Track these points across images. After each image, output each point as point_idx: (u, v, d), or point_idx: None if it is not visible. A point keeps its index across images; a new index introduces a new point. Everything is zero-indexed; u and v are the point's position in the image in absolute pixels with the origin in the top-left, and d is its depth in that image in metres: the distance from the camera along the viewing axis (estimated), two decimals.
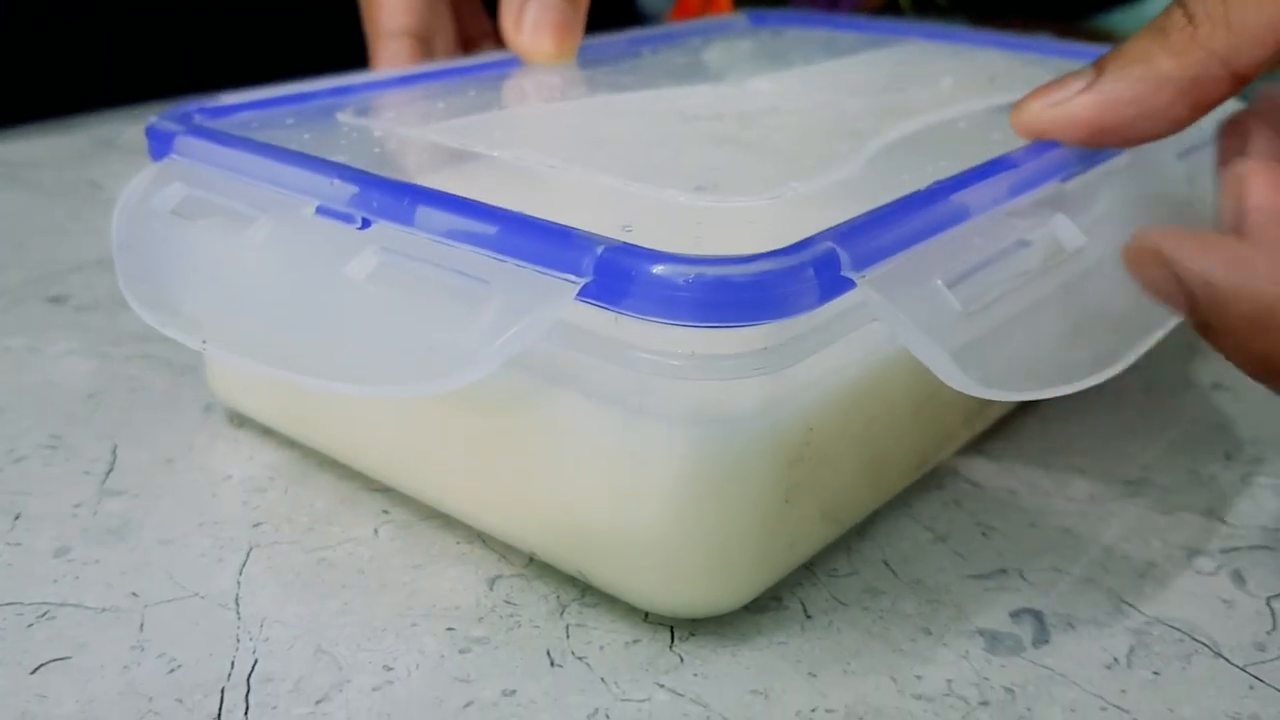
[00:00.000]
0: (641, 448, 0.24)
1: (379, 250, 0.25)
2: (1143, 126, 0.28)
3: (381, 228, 0.25)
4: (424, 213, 0.25)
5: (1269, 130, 0.28)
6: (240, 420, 0.34)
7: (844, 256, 0.23)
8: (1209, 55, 0.27)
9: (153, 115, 0.32)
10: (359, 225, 0.26)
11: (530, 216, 0.24)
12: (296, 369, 0.24)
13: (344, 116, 0.32)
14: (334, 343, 0.25)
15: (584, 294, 0.22)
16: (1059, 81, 0.29)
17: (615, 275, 0.22)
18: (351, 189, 0.26)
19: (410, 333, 0.24)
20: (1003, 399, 0.25)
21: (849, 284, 0.23)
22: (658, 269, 0.22)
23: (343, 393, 0.24)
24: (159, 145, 0.31)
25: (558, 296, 0.23)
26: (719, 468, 0.24)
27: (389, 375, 0.24)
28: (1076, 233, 0.28)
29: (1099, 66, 0.28)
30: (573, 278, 0.22)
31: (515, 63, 0.39)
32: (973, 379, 0.24)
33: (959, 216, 0.26)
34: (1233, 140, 0.28)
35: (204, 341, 0.26)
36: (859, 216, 0.24)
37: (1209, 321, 0.25)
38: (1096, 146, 0.29)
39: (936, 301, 0.24)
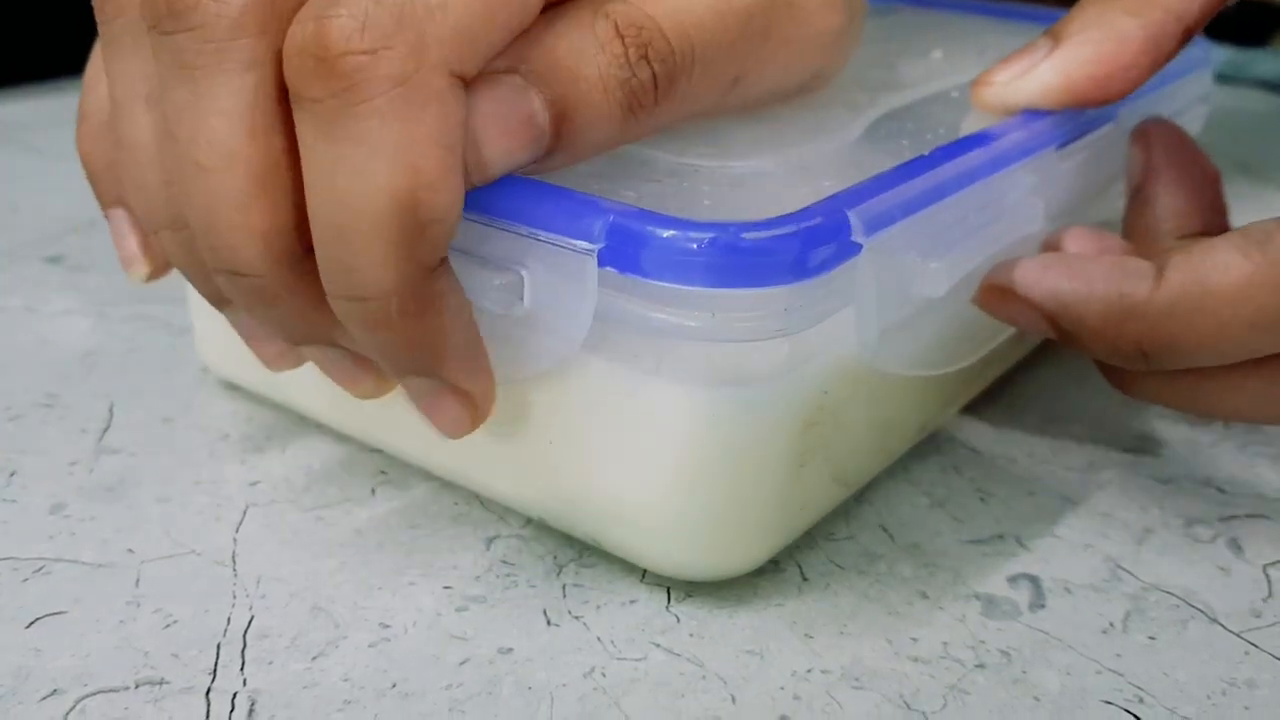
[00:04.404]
0: (659, 410, 0.24)
1: None
2: (1109, 86, 0.28)
3: None
4: None
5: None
6: None
7: (855, 221, 0.23)
8: (1165, 13, 0.28)
9: None
10: None
11: (541, 182, 0.24)
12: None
13: None
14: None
15: (597, 260, 0.22)
16: (1017, 55, 0.29)
17: (628, 240, 0.22)
18: None
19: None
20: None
21: (857, 248, 0.23)
22: (669, 234, 0.22)
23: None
24: None
25: (580, 266, 0.22)
26: (737, 431, 0.24)
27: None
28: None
29: (1054, 35, 0.29)
30: (585, 244, 0.22)
31: None
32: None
33: (966, 180, 0.26)
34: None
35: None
36: (867, 181, 0.24)
37: (1072, 331, 0.26)
38: (1063, 108, 0.29)
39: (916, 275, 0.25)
